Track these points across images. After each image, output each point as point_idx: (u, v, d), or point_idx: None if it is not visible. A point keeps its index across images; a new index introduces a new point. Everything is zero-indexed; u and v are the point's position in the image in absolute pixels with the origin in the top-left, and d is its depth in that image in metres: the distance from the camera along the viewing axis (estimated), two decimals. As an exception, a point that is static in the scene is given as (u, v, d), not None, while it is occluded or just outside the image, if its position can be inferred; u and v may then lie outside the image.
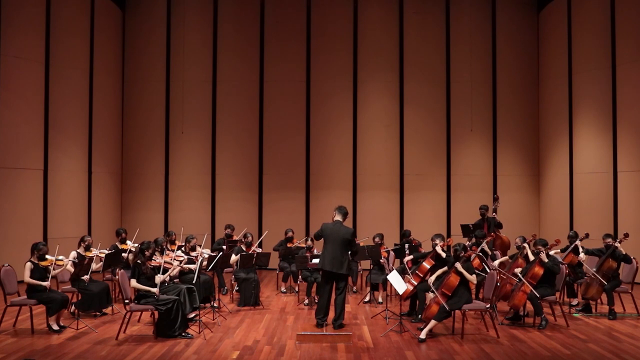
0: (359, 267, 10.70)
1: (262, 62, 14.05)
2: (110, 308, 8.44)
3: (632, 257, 8.58)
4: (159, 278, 7.26)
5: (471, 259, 7.58)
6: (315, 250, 9.89)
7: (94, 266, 8.32)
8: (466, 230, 10.90)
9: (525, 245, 8.43)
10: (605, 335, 7.42)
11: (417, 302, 8.09)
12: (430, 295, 7.51)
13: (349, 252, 7.55)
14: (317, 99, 13.98)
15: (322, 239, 7.53)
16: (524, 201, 13.89)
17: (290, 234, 10.90)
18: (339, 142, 13.94)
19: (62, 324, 7.48)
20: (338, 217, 7.52)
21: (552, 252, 8.46)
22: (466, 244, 8.50)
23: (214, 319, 7.99)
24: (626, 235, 8.63)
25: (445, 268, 7.74)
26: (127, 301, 7.15)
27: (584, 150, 12.54)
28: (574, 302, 9.06)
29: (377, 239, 9.68)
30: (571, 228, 12.28)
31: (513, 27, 14.03)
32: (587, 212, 12.32)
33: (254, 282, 9.07)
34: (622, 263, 8.57)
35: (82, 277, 7.92)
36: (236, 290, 9.51)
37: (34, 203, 11.43)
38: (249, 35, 14.07)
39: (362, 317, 8.37)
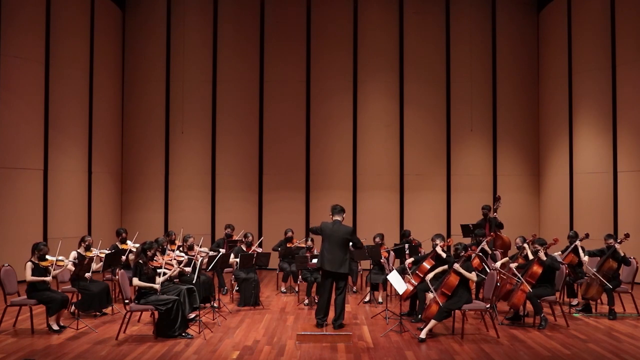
0: (359, 267, 10.70)
1: (262, 62, 14.05)
2: (110, 308, 8.44)
3: (630, 259, 8.57)
4: (159, 280, 7.27)
5: (471, 259, 7.58)
6: (315, 251, 9.88)
7: (94, 266, 8.32)
8: (466, 230, 10.90)
9: (526, 245, 8.43)
10: (605, 335, 7.42)
11: (417, 302, 8.09)
12: (430, 295, 7.51)
13: (354, 247, 7.58)
14: (317, 99, 13.99)
15: (320, 237, 7.53)
16: (524, 201, 13.88)
17: (290, 234, 10.90)
18: (339, 142, 13.94)
19: (62, 324, 7.48)
20: (337, 217, 7.52)
21: (555, 254, 8.47)
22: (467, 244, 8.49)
23: (214, 319, 7.99)
24: (627, 236, 8.62)
25: (444, 266, 7.75)
26: (127, 301, 7.15)
27: (584, 150, 12.54)
28: (574, 302, 9.07)
29: (377, 239, 9.68)
30: (571, 228, 12.28)
31: (513, 27, 14.03)
32: (587, 212, 12.32)
33: (254, 282, 9.07)
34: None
35: (85, 275, 7.93)
36: (236, 290, 9.51)
37: (34, 203, 11.43)
38: (249, 35, 14.07)
39: (362, 317, 8.37)
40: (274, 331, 7.53)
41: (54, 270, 7.51)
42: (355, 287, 10.45)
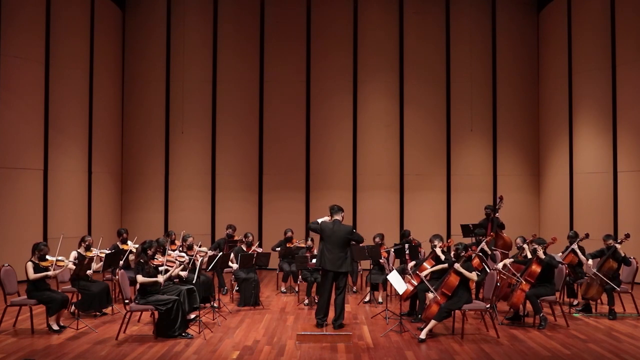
0: (359, 267, 10.70)
1: (262, 62, 14.05)
2: (110, 308, 8.44)
3: (630, 258, 8.56)
4: (161, 278, 7.28)
5: (471, 259, 7.58)
6: (315, 251, 9.88)
7: (94, 266, 8.32)
8: (466, 230, 10.90)
9: (525, 246, 8.43)
10: (605, 335, 7.42)
11: (417, 302, 8.08)
12: (430, 295, 7.51)
13: (355, 242, 7.63)
14: (317, 99, 13.99)
15: (318, 235, 7.54)
16: (524, 201, 13.88)
17: (289, 234, 10.90)
18: (339, 142, 13.94)
19: (62, 324, 7.48)
20: (337, 217, 7.52)
21: (557, 255, 8.47)
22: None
23: (214, 319, 7.99)
24: (627, 236, 8.62)
25: (443, 265, 7.76)
26: (127, 301, 7.15)
27: (584, 150, 12.54)
28: (574, 302, 9.06)
29: (377, 239, 9.67)
30: (571, 228, 12.27)
31: (513, 27, 14.03)
32: (587, 212, 12.32)
33: (254, 282, 9.07)
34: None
35: (87, 273, 7.95)
36: (236, 290, 9.51)
37: (34, 203, 11.43)
38: (249, 35, 14.07)
39: (362, 317, 8.37)
40: (274, 331, 7.53)
41: (54, 270, 7.51)
42: (355, 287, 10.45)
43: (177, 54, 13.97)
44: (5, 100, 11.00)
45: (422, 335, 7.03)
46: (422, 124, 13.93)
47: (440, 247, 8.23)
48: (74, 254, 8.45)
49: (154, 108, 13.97)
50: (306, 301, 9.25)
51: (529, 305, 7.98)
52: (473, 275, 7.22)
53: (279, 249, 10.68)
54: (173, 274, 7.65)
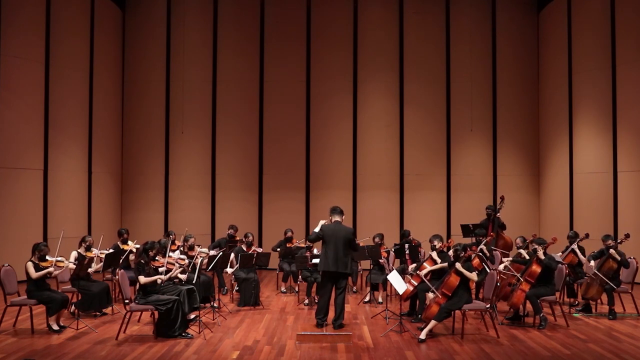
0: (359, 267, 10.70)
1: (262, 62, 14.05)
2: (110, 308, 8.44)
3: (629, 259, 8.54)
4: (161, 279, 7.28)
5: (471, 259, 7.59)
6: (315, 250, 9.88)
7: (94, 266, 8.32)
8: (466, 230, 10.91)
9: (522, 251, 8.43)
10: (605, 335, 7.42)
11: (417, 302, 8.09)
12: (430, 295, 7.51)
13: (352, 249, 7.60)
14: (317, 99, 13.99)
15: (320, 240, 7.53)
16: (524, 201, 13.88)
17: (289, 234, 10.89)
18: (339, 142, 13.94)
19: (62, 324, 7.48)
20: (337, 218, 7.53)
21: (557, 255, 8.47)
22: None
23: (214, 319, 7.99)
24: (627, 236, 8.62)
25: (443, 264, 7.76)
26: (127, 301, 7.15)
27: (584, 150, 12.54)
28: (574, 302, 9.06)
29: (377, 239, 9.67)
30: (571, 228, 12.27)
31: (513, 27, 14.03)
32: (587, 212, 12.32)
33: (254, 282, 9.07)
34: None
35: (88, 271, 7.94)
36: (236, 290, 9.51)
37: (34, 203, 11.43)
38: (249, 35, 14.07)
39: (362, 317, 8.37)
40: (274, 331, 7.53)
41: (54, 270, 7.50)
42: (355, 287, 10.45)
43: (177, 54, 13.97)
44: (5, 100, 11.00)
45: (422, 335, 7.03)
46: (422, 124, 13.93)
47: (439, 247, 8.22)
48: (74, 254, 8.45)
49: (154, 108, 13.97)
50: (306, 301, 9.25)
51: (529, 305, 7.99)
52: (473, 276, 7.22)
53: (279, 249, 10.68)
54: (172, 275, 7.65)
